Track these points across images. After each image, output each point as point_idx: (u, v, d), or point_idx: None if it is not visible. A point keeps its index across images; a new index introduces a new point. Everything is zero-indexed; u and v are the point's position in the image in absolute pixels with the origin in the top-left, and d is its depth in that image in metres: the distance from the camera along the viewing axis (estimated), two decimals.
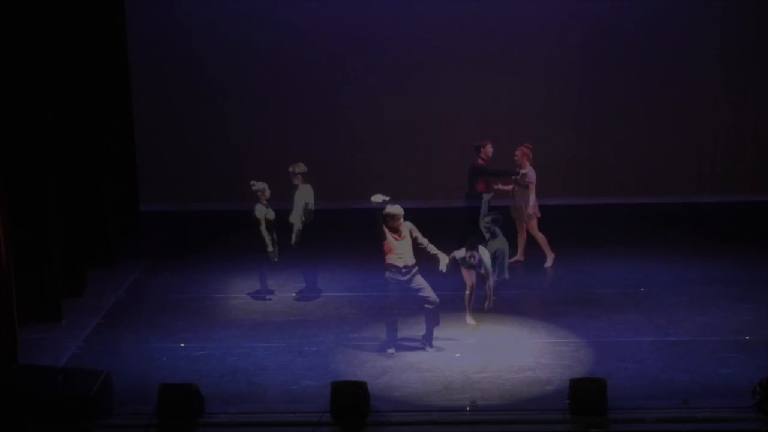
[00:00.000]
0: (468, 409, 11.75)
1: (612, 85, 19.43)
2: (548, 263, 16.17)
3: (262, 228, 14.87)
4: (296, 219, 15.03)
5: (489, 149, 16.43)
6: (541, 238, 16.16)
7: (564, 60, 19.26)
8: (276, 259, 15.03)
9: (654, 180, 19.60)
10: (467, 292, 14.19)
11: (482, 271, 13.99)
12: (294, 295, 15.32)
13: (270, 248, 14.90)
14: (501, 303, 14.52)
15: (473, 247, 13.90)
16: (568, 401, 11.45)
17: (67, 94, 15.37)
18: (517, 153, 16.23)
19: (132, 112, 18.21)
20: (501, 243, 14.52)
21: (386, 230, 13.25)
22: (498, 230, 14.51)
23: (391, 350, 13.26)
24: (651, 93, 19.46)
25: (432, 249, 13.37)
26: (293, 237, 15.04)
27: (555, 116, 19.37)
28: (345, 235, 17.41)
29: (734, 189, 19.54)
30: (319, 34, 19.26)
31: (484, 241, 14.32)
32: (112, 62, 17.20)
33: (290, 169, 15.20)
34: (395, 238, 13.23)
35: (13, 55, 13.72)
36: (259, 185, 14.94)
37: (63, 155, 15.10)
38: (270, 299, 15.14)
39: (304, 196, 15.11)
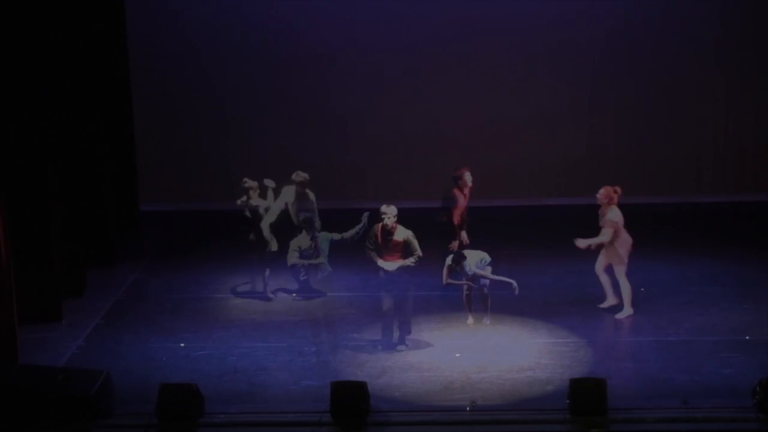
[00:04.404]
0: (468, 409, 11.75)
1: (612, 85, 19.43)
2: (621, 315, 14.44)
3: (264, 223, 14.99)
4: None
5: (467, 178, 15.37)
6: (626, 286, 14.45)
7: (564, 60, 19.26)
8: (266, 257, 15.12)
9: (654, 180, 19.60)
10: (465, 293, 14.19)
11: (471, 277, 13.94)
12: (294, 295, 15.33)
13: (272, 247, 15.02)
14: (501, 303, 14.50)
15: (458, 261, 13.75)
16: (568, 401, 11.45)
17: (67, 94, 15.37)
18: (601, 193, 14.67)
19: (132, 112, 18.21)
20: None
21: (379, 230, 13.33)
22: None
23: (401, 347, 13.34)
24: (651, 93, 19.46)
25: (410, 261, 13.38)
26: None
27: (555, 116, 19.38)
28: None
29: (734, 189, 19.55)
30: (319, 34, 19.25)
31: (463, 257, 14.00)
32: (112, 62, 17.20)
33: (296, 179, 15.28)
34: (384, 240, 13.27)
35: (13, 55, 13.73)
36: (250, 183, 15.01)
37: (63, 155, 15.10)
38: (271, 298, 15.15)
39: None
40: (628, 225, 18.20)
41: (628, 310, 14.39)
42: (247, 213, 15.21)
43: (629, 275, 14.44)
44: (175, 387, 11.53)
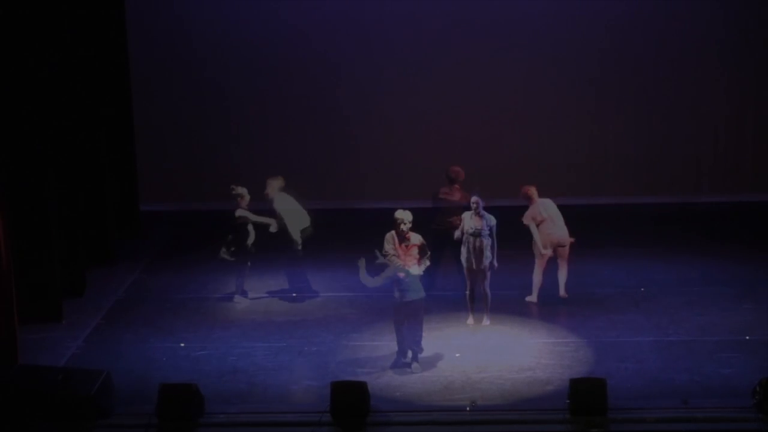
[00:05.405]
0: (468, 409, 11.76)
1: (612, 85, 19.42)
2: (530, 298, 14.99)
3: (248, 235, 14.92)
4: (295, 232, 15.03)
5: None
6: (536, 278, 14.93)
7: (564, 60, 19.24)
8: (233, 259, 15.05)
9: (654, 180, 19.60)
10: (467, 292, 14.20)
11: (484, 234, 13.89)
12: (294, 295, 15.33)
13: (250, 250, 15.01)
14: (501, 303, 14.50)
15: (479, 195, 13.84)
16: (568, 401, 11.46)
17: (67, 94, 15.37)
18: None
19: (132, 112, 18.21)
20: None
21: (395, 236, 13.02)
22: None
23: (415, 365, 12.95)
24: (651, 93, 19.45)
25: (427, 261, 13.12)
26: (298, 245, 15.06)
27: (555, 117, 19.37)
28: (345, 235, 17.41)
29: (734, 189, 19.55)
30: (320, 34, 19.24)
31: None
32: (112, 62, 17.21)
33: (267, 192, 15.11)
34: (401, 247, 12.99)
35: (14, 55, 13.73)
36: (239, 190, 14.94)
37: (63, 155, 15.10)
38: (237, 301, 15.12)
39: (288, 204, 15.11)
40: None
41: (533, 298, 14.87)
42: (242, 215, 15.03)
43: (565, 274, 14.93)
44: (175, 387, 11.53)
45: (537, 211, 14.80)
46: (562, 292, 14.96)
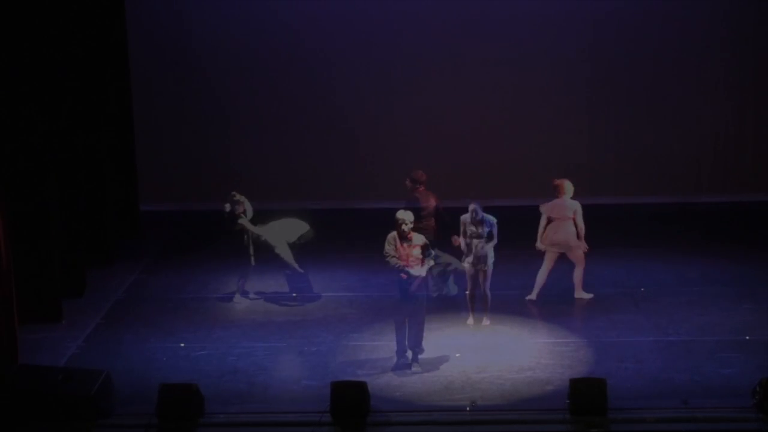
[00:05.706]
0: (468, 409, 11.76)
1: (612, 85, 19.42)
2: (530, 297, 15.08)
3: (247, 238, 14.89)
4: (283, 246, 15.02)
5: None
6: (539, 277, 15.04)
7: (564, 60, 19.24)
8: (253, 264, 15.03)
9: (654, 180, 19.60)
10: (468, 293, 14.20)
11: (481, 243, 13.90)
12: (294, 295, 15.34)
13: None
14: (501, 303, 14.51)
15: (476, 203, 13.86)
16: (568, 401, 11.46)
17: (67, 93, 15.36)
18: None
19: (132, 112, 18.21)
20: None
21: (396, 236, 13.00)
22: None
23: (416, 367, 12.96)
24: (651, 93, 19.44)
25: (430, 262, 13.12)
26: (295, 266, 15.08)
27: (555, 116, 19.36)
28: (345, 235, 17.41)
29: (734, 189, 19.54)
30: (320, 34, 19.24)
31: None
32: (112, 62, 17.20)
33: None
34: (402, 248, 12.97)
35: (14, 55, 13.73)
36: (239, 197, 14.94)
37: (63, 155, 15.10)
38: (236, 300, 15.10)
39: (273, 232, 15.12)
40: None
41: (533, 296, 14.92)
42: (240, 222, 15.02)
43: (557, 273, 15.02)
44: (175, 387, 11.54)
45: (552, 207, 14.81)
46: (577, 294, 14.95)
